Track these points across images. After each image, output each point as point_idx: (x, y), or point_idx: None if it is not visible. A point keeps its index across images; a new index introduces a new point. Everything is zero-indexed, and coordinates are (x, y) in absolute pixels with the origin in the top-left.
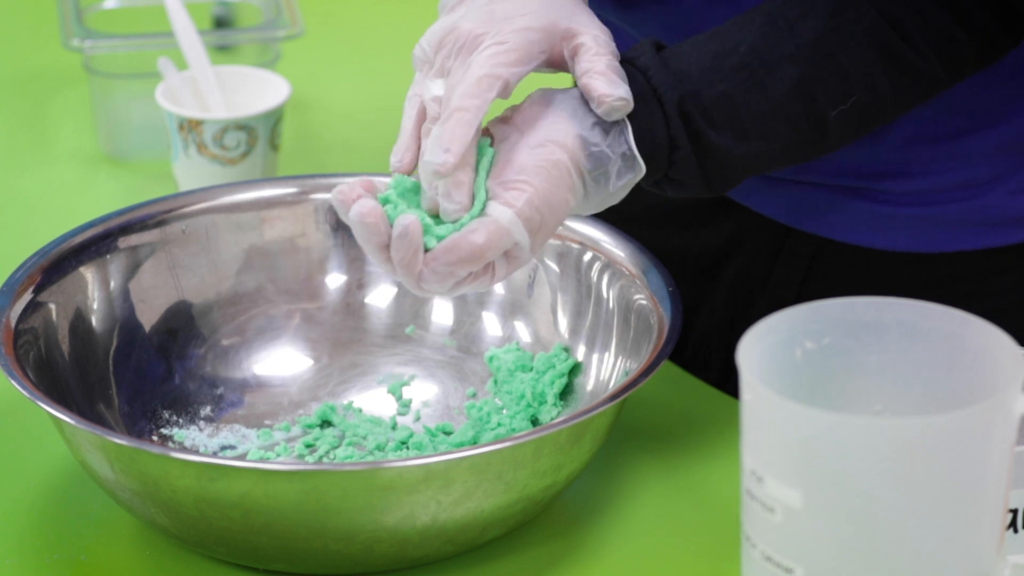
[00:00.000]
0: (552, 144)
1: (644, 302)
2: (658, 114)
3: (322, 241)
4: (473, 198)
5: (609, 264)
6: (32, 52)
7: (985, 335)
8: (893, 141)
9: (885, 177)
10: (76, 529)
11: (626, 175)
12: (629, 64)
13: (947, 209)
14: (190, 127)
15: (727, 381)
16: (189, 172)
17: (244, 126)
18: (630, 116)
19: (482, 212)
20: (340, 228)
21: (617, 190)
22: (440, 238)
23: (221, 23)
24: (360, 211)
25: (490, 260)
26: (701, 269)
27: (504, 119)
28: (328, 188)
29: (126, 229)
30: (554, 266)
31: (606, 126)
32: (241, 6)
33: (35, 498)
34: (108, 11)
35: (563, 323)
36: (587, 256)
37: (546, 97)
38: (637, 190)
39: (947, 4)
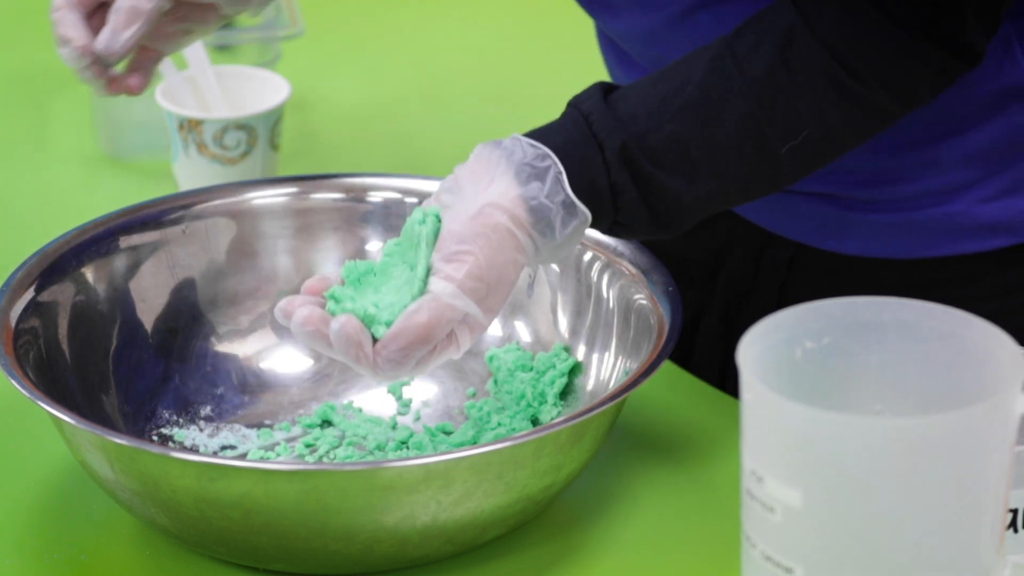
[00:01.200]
0: (490, 208)
1: (644, 302)
2: (598, 160)
3: (322, 241)
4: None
5: (609, 264)
6: (32, 52)
7: (985, 335)
8: (863, 150)
9: (855, 185)
10: (76, 529)
11: (570, 223)
12: (573, 108)
13: (919, 216)
14: (190, 127)
15: (724, 381)
16: (189, 172)
17: (244, 126)
18: (567, 162)
19: (424, 288)
20: (340, 228)
21: (566, 239)
22: (389, 323)
23: None
24: (299, 321)
25: (440, 337)
26: (703, 273)
27: (451, 183)
28: (328, 188)
29: (126, 229)
30: (554, 266)
31: (543, 176)
32: None
33: (35, 498)
34: None
35: (563, 323)
36: (587, 256)
37: (486, 154)
38: None
39: (894, 39)
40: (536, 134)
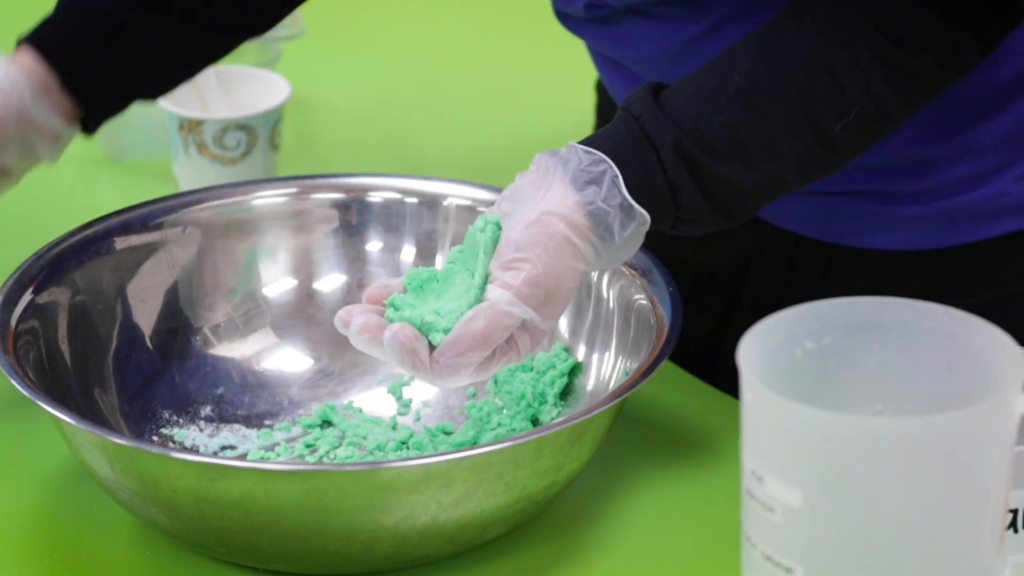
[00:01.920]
0: (547, 215)
1: (644, 302)
2: (653, 160)
3: (322, 241)
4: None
5: None
6: None
7: (985, 335)
8: (897, 143)
9: (892, 179)
10: (76, 529)
11: (629, 225)
12: (624, 111)
13: (956, 203)
14: (190, 127)
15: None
16: (189, 172)
17: (244, 126)
18: (622, 165)
19: (482, 295)
20: (340, 228)
21: (626, 242)
22: (447, 330)
23: None
24: (355, 328)
25: (498, 343)
26: (725, 284)
27: (510, 192)
28: (328, 188)
29: (126, 229)
30: None
31: (599, 180)
32: None
33: (35, 498)
34: None
35: (563, 323)
36: None
37: (543, 164)
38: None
39: (935, 4)
40: (590, 140)
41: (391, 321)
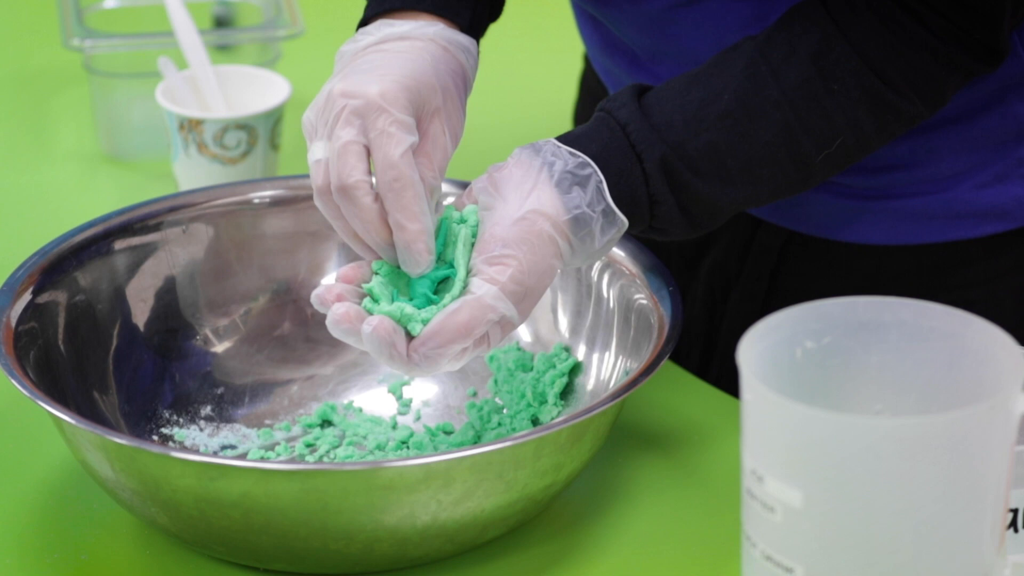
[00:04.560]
0: (534, 215)
1: (644, 302)
2: (637, 171)
3: (322, 241)
4: (432, 250)
5: (609, 264)
6: (32, 52)
7: (985, 335)
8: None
9: (852, 173)
10: (76, 529)
11: (609, 231)
12: (607, 114)
13: (914, 202)
14: (190, 127)
15: (707, 371)
16: (189, 172)
17: (244, 126)
18: (607, 171)
19: (464, 288)
20: None
21: (603, 245)
22: (425, 322)
23: (221, 23)
24: (334, 318)
25: (478, 336)
26: (685, 261)
27: (487, 184)
28: None
29: (126, 229)
30: None
31: (584, 184)
32: (241, 6)
33: (35, 498)
34: (108, 11)
35: (563, 323)
36: None
37: (526, 159)
38: None
39: (928, 49)
40: (573, 140)
41: (370, 312)
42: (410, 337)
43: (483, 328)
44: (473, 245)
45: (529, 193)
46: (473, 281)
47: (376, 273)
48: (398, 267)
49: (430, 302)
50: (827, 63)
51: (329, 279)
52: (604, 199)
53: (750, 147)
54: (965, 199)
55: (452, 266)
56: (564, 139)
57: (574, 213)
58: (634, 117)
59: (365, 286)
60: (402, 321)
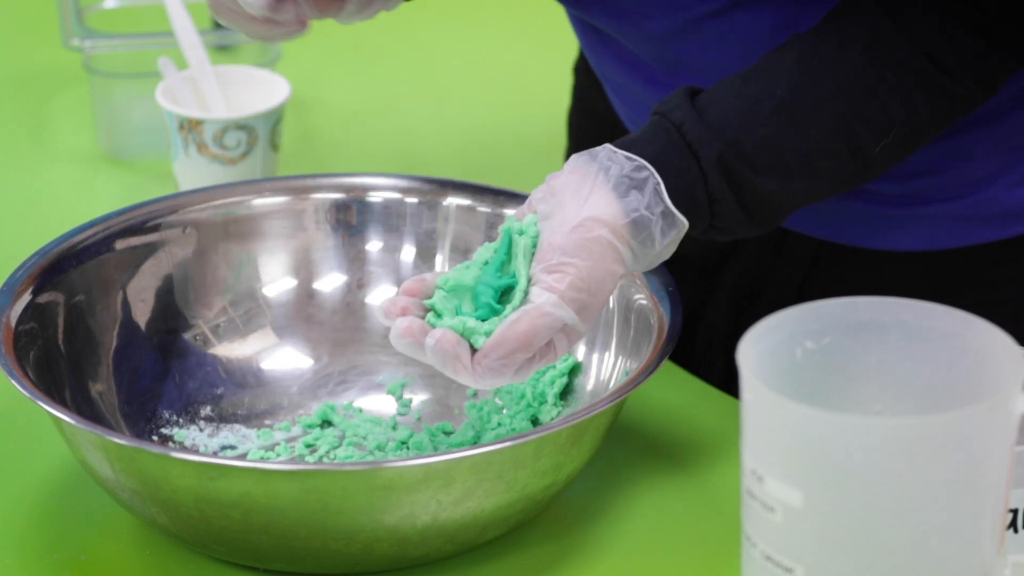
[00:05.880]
0: (591, 221)
1: (644, 302)
2: (695, 170)
3: (322, 241)
4: None
5: None
6: (32, 52)
7: (985, 335)
8: None
9: (883, 180)
10: (76, 529)
11: (670, 233)
12: (662, 117)
13: (946, 207)
14: (190, 127)
15: (732, 382)
16: (189, 172)
17: (244, 126)
18: (664, 173)
19: (525, 298)
20: (340, 228)
21: (665, 247)
22: (488, 334)
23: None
24: (398, 332)
25: (540, 345)
26: (704, 271)
27: (546, 193)
28: (328, 188)
29: (126, 229)
30: None
31: (642, 187)
32: None
33: (35, 498)
34: (108, 11)
35: None
36: None
37: (582, 166)
38: None
39: (979, 30)
40: (628, 145)
41: (433, 327)
42: (474, 350)
43: (544, 337)
44: (533, 255)
45: (586, 199)
46: (532, 290)
47: (439, 288)
48: (462, 282)
49: (494, 312)
50: (879, 51)
51: (387, 292)
52: (663, 201)
53: (806, 140)
54: (997, 200)
55: (515, 277)
56: (619, 144)
57: (632, 216)
58: (689, 117)
59: (428, 302)
60: (465, 334)
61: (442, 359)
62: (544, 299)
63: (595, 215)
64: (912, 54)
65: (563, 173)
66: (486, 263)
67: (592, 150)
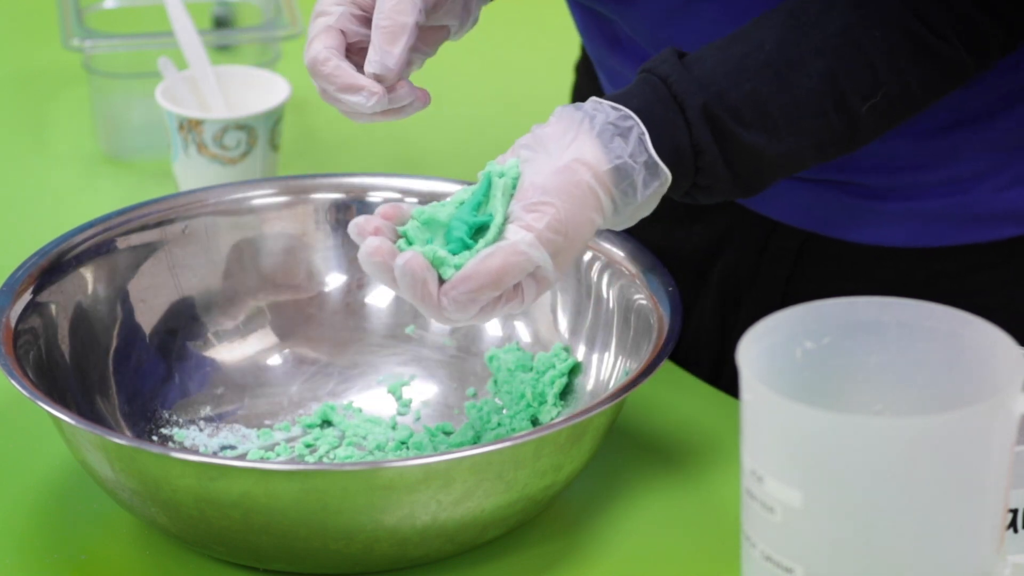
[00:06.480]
0: (576, 163)
1: (644, 302)
2: (679, 121)
3: (322, 241)
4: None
5: (609, 264)
6: (32, 52)
7: (985, 335)
8: (884, 136)
9: (870, 172)
10: (76, 529)
11: (652, 183)
12: (649, 73)
13: (932, 204)
14: (190, 127)
15: (719, 378)
16: (189, 172)
17: (244, 126)
18: (649, 123)
19: (500, 235)
20: (340, 228)
21: (646, 200)
22: (459, 267)
23: (221, 23)
24: (367, 250)
25: (511, 284)
26: (693, 268)
27: (530, 140)
28: (328, 188)
29: (126, 229)
30: None
31: (626, 136)
32: (241, 6)
33: (35, 498)
34: (108, 11)
35: (563, 323)
36: (587, 256)
37: (568, 115)
38: None
39: None
40: (615, 97)
41: (402, 251)
42: (442, 282)
43: (516, 276)
44: (512, 196)
45: (570, 144)
46: (509, 228)
47: (414, 219)
48: (436, 217)
49: (466, 247)
50: (868, 9)
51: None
52: (646, 150)
53: (793, 96)
54: (984, 201)
55: (491, 216)
56: (607, 97)
57: (615, 163)
58: (675, 70)
59: (400, 228)
60: (435, 263)
61: (410, 282)
62: (520, 236)
63: (579, 157)
64: (901, 12)
65: (548, 123)
66: (462, 203)
67: (577, 103)
